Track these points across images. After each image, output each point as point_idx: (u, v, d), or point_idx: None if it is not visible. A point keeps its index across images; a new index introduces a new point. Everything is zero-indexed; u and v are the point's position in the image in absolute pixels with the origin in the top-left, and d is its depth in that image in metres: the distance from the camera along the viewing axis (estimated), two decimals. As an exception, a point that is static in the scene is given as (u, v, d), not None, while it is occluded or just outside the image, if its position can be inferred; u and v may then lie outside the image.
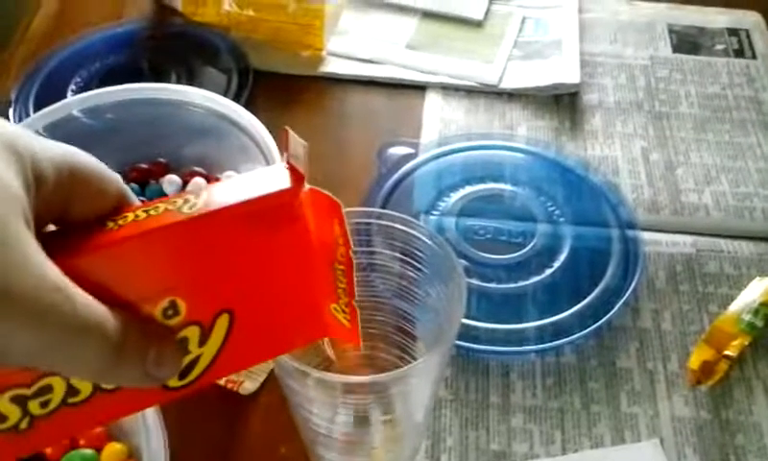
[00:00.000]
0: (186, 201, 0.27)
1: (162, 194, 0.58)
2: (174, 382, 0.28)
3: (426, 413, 0.43)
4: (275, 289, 0.28)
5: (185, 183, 0.58)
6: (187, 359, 0.28)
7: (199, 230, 0.26)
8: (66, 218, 0.27)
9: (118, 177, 0.28)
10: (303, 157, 0.28)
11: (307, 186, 0.28)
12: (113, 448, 0.46)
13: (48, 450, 0.46)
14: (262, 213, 0.27)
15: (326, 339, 0.33)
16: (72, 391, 0.27)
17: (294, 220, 0.27)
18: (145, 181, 0.59)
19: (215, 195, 0.27)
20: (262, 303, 0.28)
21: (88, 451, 0.46)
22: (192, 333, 0.27)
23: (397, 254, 0.42)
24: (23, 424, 0.26)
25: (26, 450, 0.27)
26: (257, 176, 0.28)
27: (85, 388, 0.27)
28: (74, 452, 0.46)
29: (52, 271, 0.23)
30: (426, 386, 0.38)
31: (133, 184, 0.58)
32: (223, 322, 0.28)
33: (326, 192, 0.29)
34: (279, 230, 0.27)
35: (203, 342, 0.28)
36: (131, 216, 0.27)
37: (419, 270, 0.41)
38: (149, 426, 0.42)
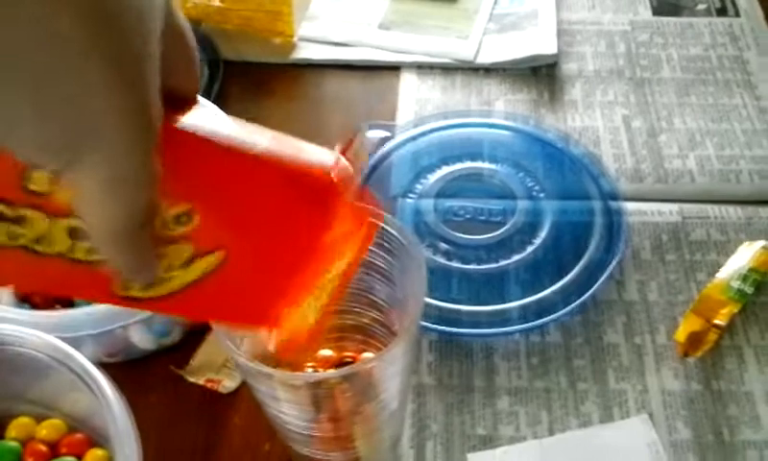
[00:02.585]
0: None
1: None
2: (136, 291, 0.27)
3: (402, 401, 0.41)
4: (269, 259, 0.28)
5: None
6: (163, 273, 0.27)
7: (246, 168, 0.26)
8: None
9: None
10: (361, 156, 0.28)
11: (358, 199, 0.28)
12: (95, 454, 0.45)
13: (29, 460, 0.45)
14: (300, 179, 0.27)
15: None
16: (45, 240, 0.26)
17: (323, 203, 0.27)
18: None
19: (274, 145, 0.27)
20: (254, 264, 0.28)
21: (70, 459, 0.45)
22: (185, 251, 0.27)
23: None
24: None
25: None
26: (315, 150, 0.28)
27: (60, 243, 0.26)
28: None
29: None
30: (398, 375, 0.37)
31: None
32: (213, 259, 0.27)
33: (373, 214, 0.29)
34: (306, 206, 0.27)
35: (186, 265, 0.27)
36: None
37: (386, 260, 0.40)
38: (121, 432, 0.41)
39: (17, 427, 0.47)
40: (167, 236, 0.26)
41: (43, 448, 0.46)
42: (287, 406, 0.36)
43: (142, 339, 0.50)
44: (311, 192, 0.27)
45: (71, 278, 0.27)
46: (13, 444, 0.46)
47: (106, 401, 0.41)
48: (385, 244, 0.39)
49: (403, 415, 0.46)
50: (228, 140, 0.26)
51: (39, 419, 0.47)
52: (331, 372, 0.34)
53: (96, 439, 0.46)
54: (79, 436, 0.46)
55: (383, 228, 0.38)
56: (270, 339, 0.30)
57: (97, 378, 0.42)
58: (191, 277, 0.27)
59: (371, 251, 0.40)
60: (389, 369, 0.36)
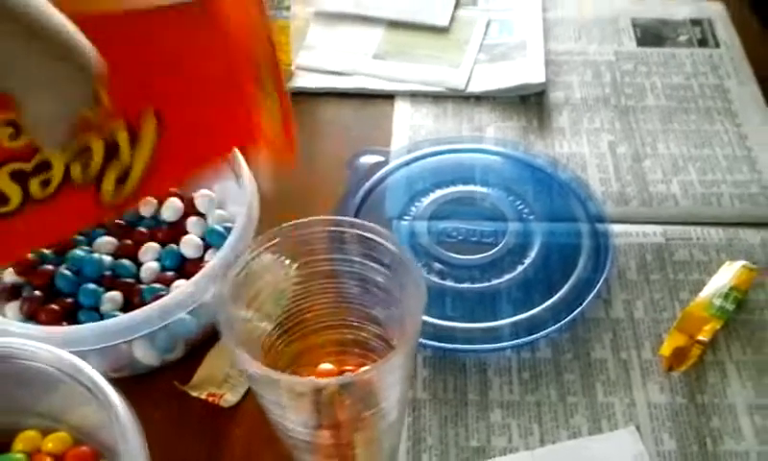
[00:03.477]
0: None
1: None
2: (110, 196, 0.28)
3: (400, 412, 0.43)
4: (199, 89, 0.29)
5: (160, 203, 0.58)
6: (120, 168, 0.28)
7: (123, 23, 0.27)
8: None
9: None
10: None
11: None
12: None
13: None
14: (179, 12, 0.28)
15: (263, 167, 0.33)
16: None
17: (210, 18, 0.28)
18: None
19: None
20: (188, 105, 0.29)
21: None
22: (122, 139, 0.28)
23: (367, 262, 0.43)
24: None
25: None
26: None
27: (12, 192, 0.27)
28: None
29: None
30: (396, 385, 0.39)
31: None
32: (150, 125, 0.28)
33: None
34: (197, 29, 0.28)
35: (133, 145, 0.28)
36: None
37: (386, 276, 0.42)
38: (130, 445, 0.42)
39: (24, 441, 0.47)
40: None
41: (49, 460, 0.47)
42: (291, 413, 0.38)
43: (146, 355, 0.51)
44: (190, 12, 0.28)
45: (43, 222, 0.28)
46: (19, 456, 0.47)
47: (115, 414, 0.43)
48: (385, 261, 0.41)
49: (401, 427, 0.48)
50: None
51: (46, 432, 0.48)
52: (333, 379, 0.36)
53: (102, 452, 0.47)
54: (84, 449, 0.47)
55: (383, 245, 0.40)
56: (260, 152, 0.31)
57: (106, 391, 0.43)
58: (146, 152, 0.28)
59: (371, 267, 0.42)
60: (387, 378, 0.37)
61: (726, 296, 0.55)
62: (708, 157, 0.67)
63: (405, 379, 0.40)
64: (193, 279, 0.50)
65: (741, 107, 0.71)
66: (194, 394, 0.51)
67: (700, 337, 0.53)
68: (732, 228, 0.61)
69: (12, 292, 0.54)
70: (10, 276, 0.55)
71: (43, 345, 0.45)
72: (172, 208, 0.58)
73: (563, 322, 0.54)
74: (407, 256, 0.40)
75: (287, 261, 0.44)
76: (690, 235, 0.60)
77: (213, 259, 0.51)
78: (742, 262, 0.57)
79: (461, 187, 0.64)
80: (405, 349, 0.36)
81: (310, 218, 0.43)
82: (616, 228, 0.60)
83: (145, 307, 0.48)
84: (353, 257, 0.42)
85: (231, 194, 0.58)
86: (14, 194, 0.27)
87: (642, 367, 0.53)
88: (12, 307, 0.53)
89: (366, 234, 0.43)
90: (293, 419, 0.38)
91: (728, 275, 0.56)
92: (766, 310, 0.56)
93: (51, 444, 0.48)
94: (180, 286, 0.52)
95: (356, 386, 0.36)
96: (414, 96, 0.73)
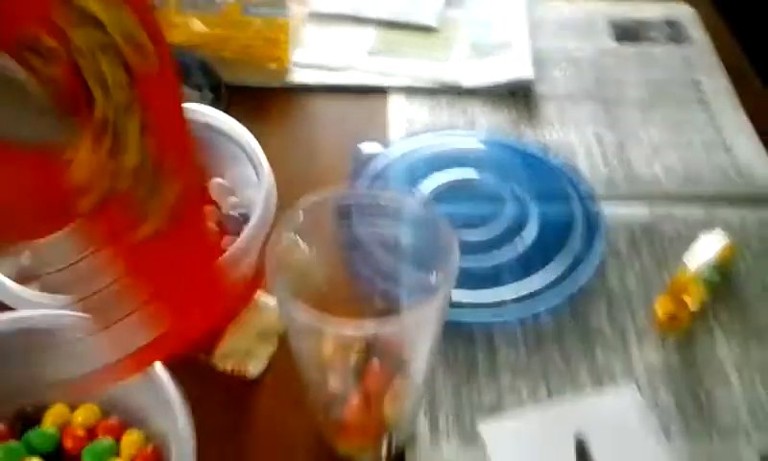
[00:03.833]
0: None
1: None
2: None
3: (426, 370, 0.46)
4: None
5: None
6: None
7: None
8: None
9: None
10: None
11: None
12: (131, 436, 0.48)
13: (69, 443, 0.48)
14: None
15: None
16: None
17: None
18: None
19: None
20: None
21: (108, 440, 0.48)
22: None
23: (388, 228, 0.46)
24: None
25: None
26: None
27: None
28: (94, 443, 0.48)
29: None
30: (428, 336, 0.42)
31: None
32: None
33: None
34: None
35: None
36: None
37: (412, 237, 0.45)
38: (173, 407, 0.44)
39: (53, 415, 0.49)
40: None
41: (81, 431, 0.48)
42: (335, 363, 0.40)
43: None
44: None
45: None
46: (51, 430, 0.48)
47: (160, 386, 0.44)
48: (413, 221, 0.44)
49: (423, 392, 0.51)
50: None
51: (73, 407, 0.49)
52: (375, 323, 0.39)
53: (131, 421, 0.49)
54: (113, 421, 0.49)
55: (414, 206, 0.44)
56: None
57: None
58: None
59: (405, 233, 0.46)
60: (427, 325, 0.41)
61: (712, 268, 0.59)
62: (687, 143, 0.71)
63: (436, 334, 0.43)
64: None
65: (713, 97, 0.76)
66: (219, 366, 0.53)
67: (689, 304, 0.57)
68: (712, 205, 0.65)
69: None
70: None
71: (67, 312, 0.44)
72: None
73: (561, 294, 0.57)
74: (432, 210, 0.44)
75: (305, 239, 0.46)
76: (674, 213, 0.65)
77: (236, 243, 0.53)
78: (720, 231, 0.61)
79: (458, 174, 0.67)
80: (445, 290, 0.39)
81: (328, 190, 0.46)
82: (606, 207, 0.64)
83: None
84: (380, 222, 0.45)
85: (242, 180, 0.60)
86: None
87: (638, 332, 0.56)
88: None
89: (388, 201, 0.46)
90: (336, 370, 0.41)
91: (710, 247, 0.60)
92: (748, 280, 0.60)
93: (80, 416, 0.49)
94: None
95: (397, 332, 0.39)
96: (408, 90, 0.76)
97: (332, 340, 0.41)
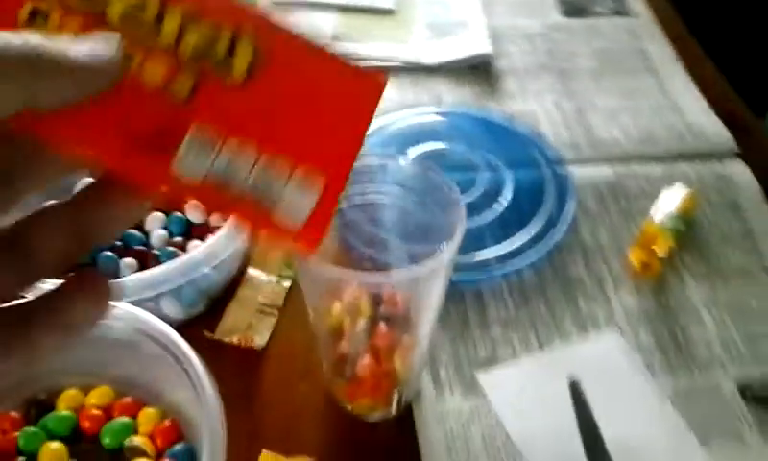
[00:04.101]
0: None
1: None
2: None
3: (432, 327, 0.49)
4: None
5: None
6: None
7: None
8: None
9: None
10: None
11: None
12: (148, 412, 0.49)
13: (86, 424, 0.49)
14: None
15: None
16: None
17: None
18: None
19: None
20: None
21: (125, 418, 0.49)
22: None
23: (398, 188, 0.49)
24: None
25: None
26: None
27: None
28: (112, 422, 0.49)
29: None
30: (435, 292, 0.45)
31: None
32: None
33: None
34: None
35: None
36: None
37: (419, 196, 0.47)
38: (199, 377, 0.45)
39: (67, 399, 0.49)
40: None
41: (97, 412, 0.49)
42: (354, 315, 0.43)
43: (172, 309, 0.55)
44: None
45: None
46: (67, 412, 0.49)
47: (191, 366, 0.46)
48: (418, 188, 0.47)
49: (427, 353, 0.53)
50: None
51: (86, 390, 0.50)
52: (397, 271, 0.41)
53: (145, 399, 0.50)
54: (128, 400, 0.50)
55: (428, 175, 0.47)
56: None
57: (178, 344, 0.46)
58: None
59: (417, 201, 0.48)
60: (440, 276, 0.43)
61: (675, 218, 0.63)
62: (640, 108, 0.76)
63: (440, 293, 0.46)
64: (216, 236, 0.54)
65: (660, 65, 0.81)
66: (225, 339, 0.55)
67: (658, 253, 0.61)
68: (670, 163, 0.70)
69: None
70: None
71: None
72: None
73: (540, 250, 0.61)
74: (448, 182, 0.46)
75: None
76: (636, 171, 0.69)
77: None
78: (679, 184, 0.65)
79: (431, 145, 0.70)
80: (453, 248, 0.42)
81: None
82: (573, 169, 0.68)
83: (176, 261, 0.52)
84: (385, 188, 0.48)
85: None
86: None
87: (614, 281, 0.60)
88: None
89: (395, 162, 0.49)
90: (348, 322, 0.43)
91: (671, 200, 0.65)
92: (710, 229, 0.65)
93: (94, 399, 0.50)
94: (199, 246, 0.56)
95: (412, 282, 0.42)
96: (374, 71, 0.78)
97: (345, 303, 0.43)
